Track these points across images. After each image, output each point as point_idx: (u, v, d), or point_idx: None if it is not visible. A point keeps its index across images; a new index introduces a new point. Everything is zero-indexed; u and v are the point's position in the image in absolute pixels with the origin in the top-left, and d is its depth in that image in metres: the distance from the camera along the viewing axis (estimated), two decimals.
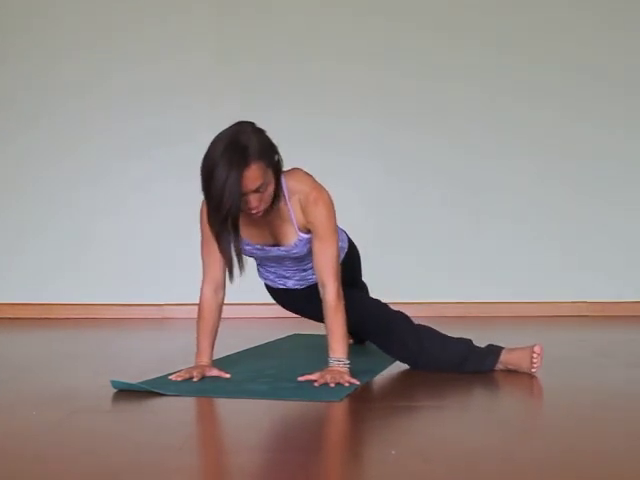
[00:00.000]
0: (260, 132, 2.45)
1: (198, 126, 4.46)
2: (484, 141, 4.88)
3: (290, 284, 2.84)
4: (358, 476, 1.69)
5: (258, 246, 2.64)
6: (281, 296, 2.93)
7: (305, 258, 2.67)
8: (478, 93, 4.87)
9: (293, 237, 2.59)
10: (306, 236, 2.58)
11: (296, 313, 3.00)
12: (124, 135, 4.84)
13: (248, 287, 4.03)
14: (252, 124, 2.46)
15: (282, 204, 2.54)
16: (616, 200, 4.90)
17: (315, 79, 4.84)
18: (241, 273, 2.54)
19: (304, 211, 2.54)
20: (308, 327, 3.63)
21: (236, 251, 2.49)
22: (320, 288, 2.56)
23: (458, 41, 4.87)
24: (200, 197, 2.62)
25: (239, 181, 2.34)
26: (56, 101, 4.86)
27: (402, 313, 2.79)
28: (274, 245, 2.64)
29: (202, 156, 2.41)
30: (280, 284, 2.87)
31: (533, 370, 2.67)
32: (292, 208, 2.55)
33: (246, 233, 2.59)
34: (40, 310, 4.79)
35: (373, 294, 3.03)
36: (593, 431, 1.98)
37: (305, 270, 2.75)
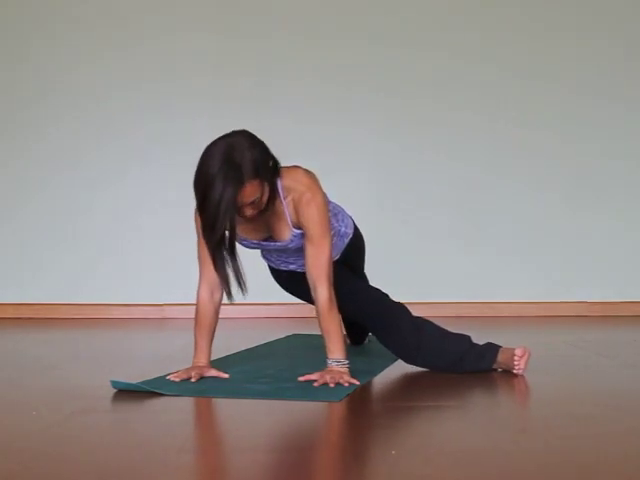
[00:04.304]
0: (253, 146, 2.40)
1: (198, 130, 4.46)
2: (484, 142, 4.88)
3: (292, 267, 2.84)
4: (358, 476, 1.68)
5: (255, 241, 2.65)
6: (283, 278, 2.93)
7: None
8: (478, 97, 4.87)
9: (288, 233, 2.59)
10: (300, 231, 2.58)
11: (296, 296, 2.98)
12: (125, 139, 4.85)
13: (248, 287, 4.07)
14: (245, 135, 2.43)
15: (277, 202, 2.54)
16: (616, 201, 4.90)
17: (316, 87, 4.84)
18: (244, 293, 2.50)
19: (297, 210, 2.54)
20: (307, 327, 3.63)
21: (235, 273, 2.47)
22: (312, 291, 2.55)
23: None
24: None
25: (233, 203, 2.34)
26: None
27: (403, 306, 2.79)
28: (270, 241, 2.64)
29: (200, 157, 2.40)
30: (283, 267, 2.87)
31: (515, 371, 2.68)
32: (287, 206, 2.55)
33: (242, 230, 2.59)
34: (40, 310, 4.79)
35: None
36: (593, 431, 1.97)
37: None
